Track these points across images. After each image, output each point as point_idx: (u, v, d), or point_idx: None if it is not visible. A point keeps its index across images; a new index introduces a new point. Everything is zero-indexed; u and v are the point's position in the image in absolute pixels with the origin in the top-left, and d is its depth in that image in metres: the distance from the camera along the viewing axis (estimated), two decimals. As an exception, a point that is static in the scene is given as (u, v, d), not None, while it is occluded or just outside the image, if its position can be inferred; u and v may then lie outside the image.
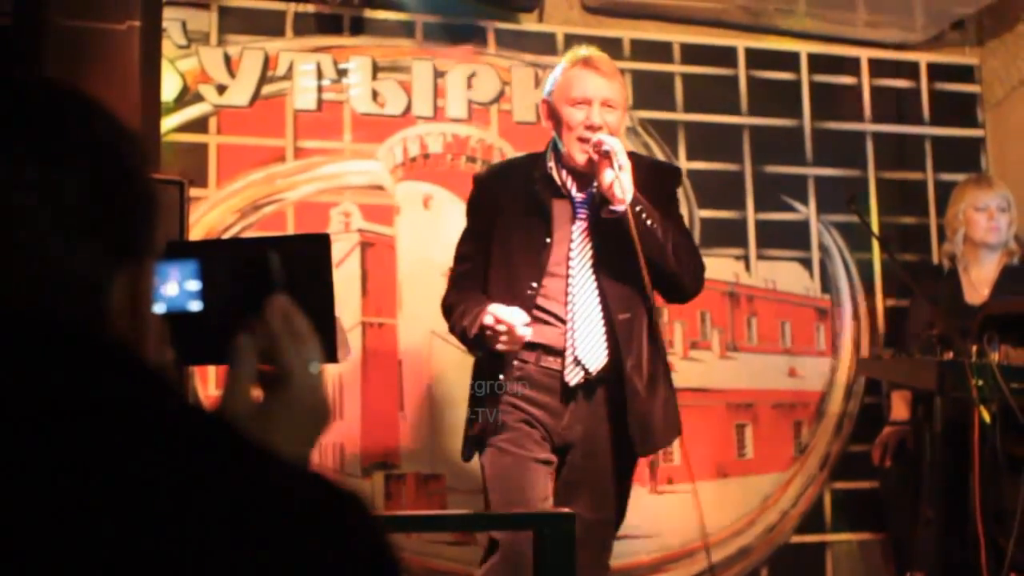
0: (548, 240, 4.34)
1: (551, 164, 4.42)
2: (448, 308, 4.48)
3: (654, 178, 4.46)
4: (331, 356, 1.63)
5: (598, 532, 4.34)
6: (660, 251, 4.22)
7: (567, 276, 4.33)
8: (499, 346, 4.16)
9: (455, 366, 5.85)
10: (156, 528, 0.96)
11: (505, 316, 4.10)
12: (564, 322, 4.30)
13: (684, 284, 4.38)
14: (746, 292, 6.49)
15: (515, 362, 4.32)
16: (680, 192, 4.62)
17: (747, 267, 6.52)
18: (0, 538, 0.94)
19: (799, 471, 6.48)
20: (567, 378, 4.29)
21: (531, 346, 4.28)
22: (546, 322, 4.31)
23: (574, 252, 4.35)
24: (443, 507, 5.90)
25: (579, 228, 4.37)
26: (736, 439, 6.37)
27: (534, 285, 4.31)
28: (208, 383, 5.64)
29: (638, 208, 4.17)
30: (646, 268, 4.15)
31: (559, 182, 4.40)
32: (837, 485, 6.52)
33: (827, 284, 6.66)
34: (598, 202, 4.30)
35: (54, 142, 1.14)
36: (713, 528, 6.23)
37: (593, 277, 4.33)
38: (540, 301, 4.31)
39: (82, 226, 1.14)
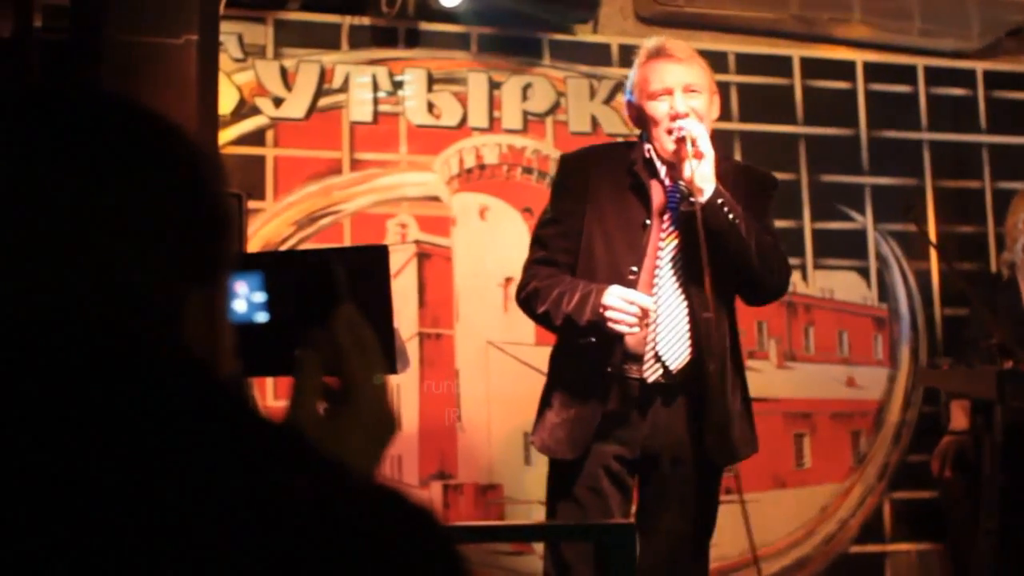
0: (648, 222, 4.10)
1: (648, 146, 4.17)
2: (534, 293, 4.16)
3: (745, 183, 4.25)
4: (390, 367, 1.63)
5: (690, 545, 4.16)
6: (742, 247, 4.00)
7: (654, 268, 4.10)
8: (621, 328, 3.92)
9: (512, 376, 5.87)
10: (238, 542, 0.97)
11: (637, 299, 3.90)
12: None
13: (766, 284, 4.15)
14: (803, 302, 6.48)
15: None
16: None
17: (804, 277, 6.50)
18: (81, 553, 0.95)
19: (857, 481, 6.45)
20: (646, 374, 4.07)
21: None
22: None
23: (663, 243, 4.11)
24: (501, 517, 5.91)
25: (668, 219, 4.13)
26: (794, 449, 6.35)
27: (634, 269, 4.06)
28: (266, 394, 5.66)
29: (720, 201, 3.96)
30: (709, 265, 3.95)
31: (658, 167, 4.16)
32: (896, 495, 6.49)
33: (885, 293, 6.63)
34: (684, 195, 4.08)
35: (131, 162, 1.15)
36: (771, 538, 6.22)
37: (680, 272, 4.08)
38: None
39: (158, 244, 1.14)
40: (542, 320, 4.22)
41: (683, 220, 4.08)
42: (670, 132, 4.08)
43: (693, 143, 3.97)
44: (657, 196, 4.16)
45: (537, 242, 4.30)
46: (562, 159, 4.46)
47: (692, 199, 4.00)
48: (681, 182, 4.07)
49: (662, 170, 4.16)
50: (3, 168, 1.10)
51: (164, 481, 0.99)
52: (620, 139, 5.37)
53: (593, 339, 4.04)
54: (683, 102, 4.09)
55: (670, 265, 4.11)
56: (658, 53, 4.20)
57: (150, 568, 0.95)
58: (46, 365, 1.05)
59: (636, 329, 3.95)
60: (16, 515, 0.96)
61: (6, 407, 1.02)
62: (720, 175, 4.08)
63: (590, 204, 4.18)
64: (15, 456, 0.99)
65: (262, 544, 0.97)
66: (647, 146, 4.19)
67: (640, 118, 4.22)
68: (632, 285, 4.03)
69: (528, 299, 4.20)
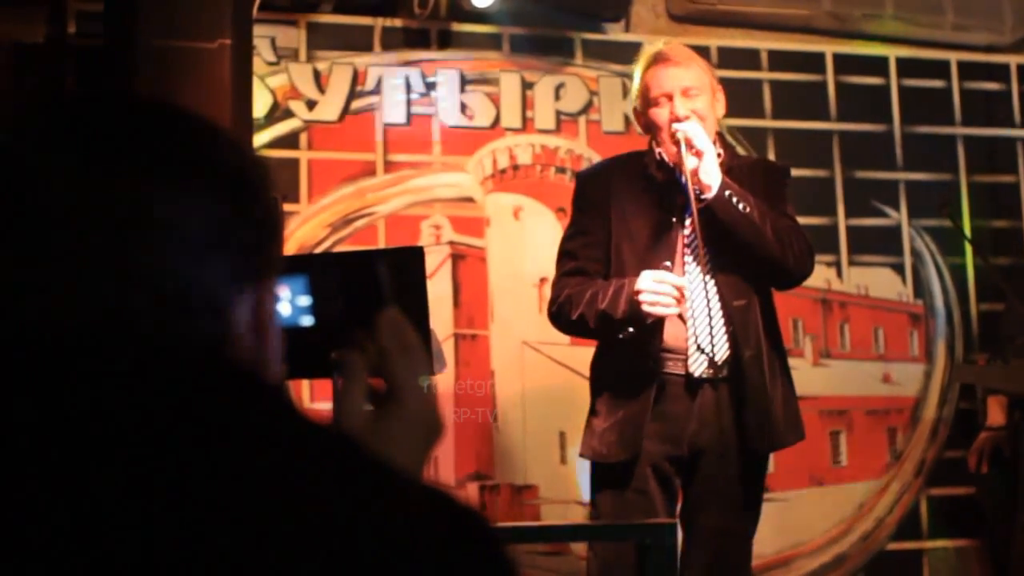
0: (674, 220, 4.17)
1: (659, 150, 4.23)
2: (567, 300, 4.20)
3: (761, 175, 4.34)
4: (428, 369, 1.63)
5: (734, 543, 4.18)
6: (757, 234, 4.04)
7: (683, 263, 4.15)
8: (659, 310, 3.95)
9: (547, 376, 5.87)
10: (293, 545, 0.97)
11: (669, 278, 3.96)
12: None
13: (788, 267, 4.14)
14: (838, 299, 6.46)
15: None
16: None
17: (839, 273, 6.48)
18: (129, 560, 0.96)
19: (894, 478, 6.43)
20: (691, 368, 4.11)
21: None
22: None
23: (687, 239, 4.16)
24: (537, 518, 5.90)
25: (689, 215, 4.12)
26: (830, 446, 6.33)
27: (668, 264, 4.10)
28: (302, 396, 5.66)
29: (727, 193, 4.01)
30: (708, 258, 4.06)
31: (672, 168, 4.20)
32: (933, 492, 6.46)
33: (920, 289, 6.61)
34: (697, 193, 4.10)
35: (182, 165, 1.16)
36: (808, 536, 6.21)
37: (706, 265, 4.09)
38: None
39: (208, 246, 1.15)
40: (576, 327, 4.28)
41: (700, 216, 4.08)
42: (672, 136, 4.13)
43: (688, 142, 4.02)
44: (675, 195, 4.20)
45: (565, 255, 4.34)
46: (578, 176, 4.55)
47: (701, 195, 4.04)
48: (689, 180, 4.07)
49: (676, 171, 4.19)
50: (54, 174, 1.10)
51: (214, 486, 1.00)
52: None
53: (631, 329, 4.06)
54: (682, 106, 4.14)
55: (694, 260, 4.14)
56: (656, 59, 4.25)
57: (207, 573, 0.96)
58: (94, 370, 1.06)
59: (674, 309, 3.99)
60: (66, 520, 0.97)
61: (56, 412, 1.02)
62: (733, 171, 4.17)
63: (614, 211, 4.25)
64: (62, 460, 1.00)
65: (318, 546, 0.98)
66: (658, 150, 4.24)
67: (647, 125, 4.29)
68: None
69: (561, 308, 4.24)
